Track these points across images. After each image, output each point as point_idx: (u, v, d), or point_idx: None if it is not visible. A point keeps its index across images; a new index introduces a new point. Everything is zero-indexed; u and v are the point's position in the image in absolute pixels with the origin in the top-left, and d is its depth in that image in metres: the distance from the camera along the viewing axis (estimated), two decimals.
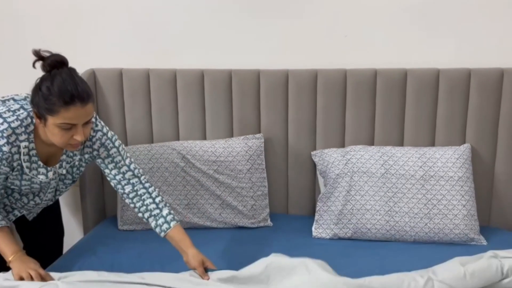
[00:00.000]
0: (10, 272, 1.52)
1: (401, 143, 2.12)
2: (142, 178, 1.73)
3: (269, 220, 2.15)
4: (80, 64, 2.20)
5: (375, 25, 2.13)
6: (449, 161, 1.97)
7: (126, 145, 2.24)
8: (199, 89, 2.17)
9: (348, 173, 2.01)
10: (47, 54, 1.50)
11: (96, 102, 2.20)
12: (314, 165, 2.17)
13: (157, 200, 1.71)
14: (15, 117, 1.55)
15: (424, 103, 2.07)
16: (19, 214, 1.78)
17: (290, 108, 2.15)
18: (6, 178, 1.61)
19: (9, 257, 1.52)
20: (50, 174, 1.65)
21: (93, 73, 2.19)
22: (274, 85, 2.14)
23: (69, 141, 1.51)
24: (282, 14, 2.16)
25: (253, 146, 2.14)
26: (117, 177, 1.71)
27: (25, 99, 1.63)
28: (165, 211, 1.68)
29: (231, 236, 2.03)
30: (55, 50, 1.70)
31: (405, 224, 1.92)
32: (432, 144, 2.11)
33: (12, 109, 1.57)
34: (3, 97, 1.65)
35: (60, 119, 1.46)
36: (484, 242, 1.93)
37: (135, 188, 1.71)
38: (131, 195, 1.71)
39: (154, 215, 1.68)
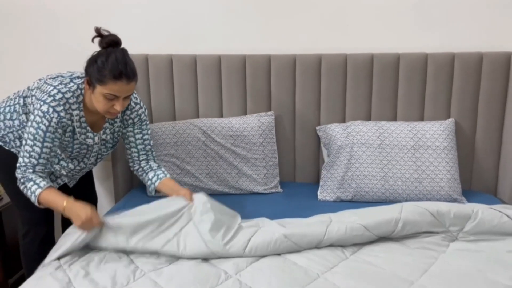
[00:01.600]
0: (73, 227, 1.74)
1: (394, 118, 2.36)
2: (153, 151, 2.06)
3: (279, 187, 2.39)
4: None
5: (372, 15, 2.35)
6: (436, 133, 2.24)
7: (151, 122, 2.48)
8: (216, 72, 2.39)
9: (349, 145, 2.27)
10: (106, 33, 1.73)
11: None
12: (318, 138, 2.41)
13: (158, 163, 2.05)
14: (67, 88, 1.78)
15: (414, 83, 2.30)
16: (61, 183, 2.01)
17: (297, 88, 2.38)
18: (60, 143, 1.83)
19: (62, 205, 1.70)
20: (96, 139, 1.90)
21: None
22: (283, 68, 2.36)
23: (110, 109, 1.75)
24: (290, 6, 2.38)
25: (265, 122, 2.36)
26: (139, 146, 2.00)
27: (72, 74, 1.86)
28: (163, 168, 2.03)
29: (247, 201, 2.26)
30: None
31: (398, 188, 2.19)
32: (421, 118, 2.35)
33: (64, 82, 1.80)
34: (51, 75, 1.89)
35: (106, 90, 1.69)
36: (466, 202, 2.19)
37: (148, 158, 2.03)
38: (142, 162, 2.02)
39: (154, 169, 2.01)
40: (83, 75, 1.80)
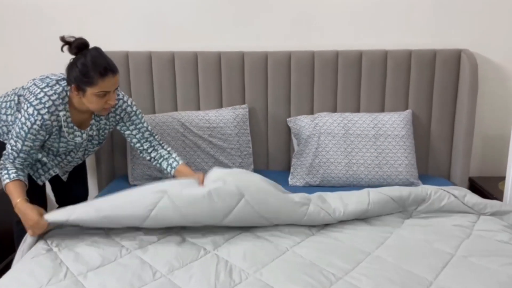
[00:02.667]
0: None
1: (358, 110, 2.56)
2: (156, 136, 2.15)
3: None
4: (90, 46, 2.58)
5: (337, 15, 2.55)
6: (395, 123, 2.46)
7: None
8: (193, 68, 2.54)
9: (316, 134, 2.45)
10: (72, 39, 1.80)
11: None
12: (289, 129, 2.59)
13: (168, 149, 2.14)
14: (53, 91, 1.88)
15: (375, 78, 2.51)
16: (53, 173, 2.12)
17: (269, 83, 2.55)
18: (44, 142, 1.95)
19: (15, 201, 1.82)
20: (84, 136, 2.01)
21: None
22: (256, 64, 2.52)
23: (104, 105, 1.87)
24: (262, 7, 2.55)
25: (239, 114, 2.53)
26: (138, 136, 2.10)
27: (59, 76, 1.96)
28: (174, 155, 2.13)
29: None
30: (68, 34, 2.04)
31: (360, 173, 2.40)
32: (382, 110, 2.56)
33: (50, 84, 1.90)
34: (42, 76, 2.00)
35: (97, 89, 1.80)
36: (421, 185, 2.43)
37: (152, 144, 2.13)
38: (149, 150, 2.12)
39: (166, 158, 2.11)
40: (60, 78, 1.92)
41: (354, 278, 1.55)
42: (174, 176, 2.09)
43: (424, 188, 2.06)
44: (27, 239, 1.83)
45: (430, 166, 2.62)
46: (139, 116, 2.12)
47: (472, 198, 2.03)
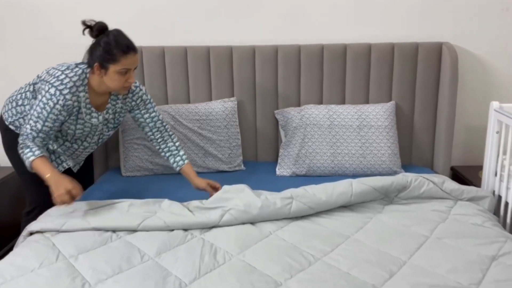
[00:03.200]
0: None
1: (343, 102, 2.64)
2: (166, 126, 2.24)
3: (242, 165, 2.64)
4: (83, 41, 2.67)
5: (322, 10, 2.62)
6: (378, 114, 2.54)
7: None
8: (183, 63, 2.61)
9: (303, 126, 2.53)
10: (93, 23, 1.92)
11: None
12: (276, 121, 2.67)
13: (176, 144, 2.24)
14: (73, 73, 1.96)
15: (360, 70, 2.58)
16: (66, 166, 2.20)
17: (257, 76, 2.62)
18: (62, 124, 2.01)
19: (46, 174, 1.86)
20: (101, 118, 2.09)
21: None
22: (244, 58, 2.59)
23: (124, 84, 1.95)
24: (250, 2, 2.62)
25: (228, 107, 2.60)
26: (150, 125, 2.19)
27: (75, 62, 2.04)
28: (181, 152, 2.23)
29: (213, 178, 2.40)
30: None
31: (345, 162, 2.48)
32: (367, 101, 2.63)
33: (70, 67, 1.99)
34: (58, 64, 2.06)
35: (120, 66, 1.89)
36: None
37: (163, 135, 2.22)
38: (159, 140, 2.22)
39: (174, 155, 2.21)
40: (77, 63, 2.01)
41: (332, 259, 1.63)
42: (178, 172, 2.24)
43: (405, 176, 2.14)
44: (28, 227, 1.90)
45: (414, 156, 2.69)
46: (153, 105, 2.22)
47: (450, 185, 2.11)
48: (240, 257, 1.66)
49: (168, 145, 2.24)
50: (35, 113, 1.94)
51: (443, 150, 2.57)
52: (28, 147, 1.94)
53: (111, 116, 2.16)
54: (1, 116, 2.19)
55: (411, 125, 2.65)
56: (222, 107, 2.61)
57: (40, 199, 2.13)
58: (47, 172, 1.88)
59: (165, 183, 2.41)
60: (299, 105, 2.66)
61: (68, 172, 2.21)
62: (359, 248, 1.70)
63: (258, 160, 2.76)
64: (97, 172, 2.71)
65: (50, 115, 1.93)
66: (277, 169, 2.57)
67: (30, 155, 1.91)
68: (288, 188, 2.12)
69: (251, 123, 2.70)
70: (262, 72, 2.62)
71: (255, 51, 2.61)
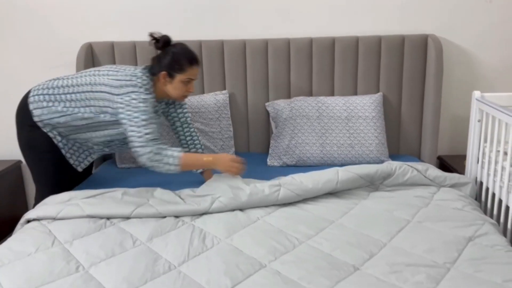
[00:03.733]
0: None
1: (332, 94, 2.70)
2: (191, 125, 2.35)
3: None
4: (77, 37, 2.73)
5: (311, 4, 2.68)
6: (366, 105, 2.61)
7: None
8: None
9: (293, 117, 2.59)
10: (159, 36, 2.06)
11: None
12: (267, 113, 2.74)
13: (197, 146, 2.36)
14: (143, 79, 2.05)
15: (348, 63, 2.65)
16: (91, 160, 2.30)
17: (248, 69, 2.68)
18: None
19: (204, 158, 2.04)
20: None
21: (90, 46, 2.69)
22: (235, 52, 2.65)
23: (184, 93, 2.11)
24: None
25: (220, 100, 2.67)
26: (182, 120, 2.31)
27: (132, 69, 2.10)
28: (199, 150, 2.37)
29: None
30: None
31: (334, 152, 2.54)
32: (355, 93, 2.70)
33: (136, 74, 2.05)
34: (116, 76, 2.07)
35: (185, 76, 2.05)
36: None
37: (190, 130, 2.34)
38: (187, 135, 2.33)
39: (199, 153, 2.31)
40: (139, 70, 2.08)
41: (316, 241, 1.70)
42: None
43: (390, 163, 2.21)
44: (25, 215, 1.97)
45: (401, 146, 2.76)
46: (185, 103, 2.35)
47: (433, 172, 2.18)
48: (228, 241, 1.73)
49: (195, 142, 2.36)
50: (139, 121, 1.97)
51: (429, 139, 2.64)
52: (161, 153, 1.98)
53: (161, 117, 2.32)
54: (28, 111, 2.16)
55: (399, 115, 2.72)
56: (214, 99, 2.67)
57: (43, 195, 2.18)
58: (201, 158, 2.05)
59: (158, 174, 2.46)
60: (289, 97, 2.73)
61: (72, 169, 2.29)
62: (342, 231, 1.77)
63: (250, 151, 2.83)
64: (93, 163, 2.77)
65: (152, 115, 2.01)
66: (268, 160, 2.64)
67: (172, 158, 1.98)
68: (278, 176, 2.18)
69: (242, 115, 2.77)
70: (253, 65, 2.68)
71: (246, 45, 2.67)
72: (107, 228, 1.86)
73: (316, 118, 2.58)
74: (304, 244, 1.69)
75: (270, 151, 2.65)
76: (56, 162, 2.21)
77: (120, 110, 2.01)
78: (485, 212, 2.15)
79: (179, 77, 2.05)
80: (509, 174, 1.94)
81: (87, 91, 2.08)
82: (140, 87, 2.02)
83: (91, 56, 2.69)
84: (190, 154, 2.06)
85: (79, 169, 2.28)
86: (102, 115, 2.09)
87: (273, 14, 2.72)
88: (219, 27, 2.74)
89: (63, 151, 2.22)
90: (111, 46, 2.70)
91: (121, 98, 2.01)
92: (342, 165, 2.55)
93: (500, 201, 2.06)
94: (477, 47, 2.71)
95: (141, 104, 1.99)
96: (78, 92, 2.10)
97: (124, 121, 2.00)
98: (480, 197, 2.24)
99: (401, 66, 2.65)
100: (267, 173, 2.43)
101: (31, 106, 2.15)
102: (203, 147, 2.39)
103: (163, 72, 2.05)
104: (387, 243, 1.68)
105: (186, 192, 2.11)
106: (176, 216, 1.94)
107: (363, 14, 2.70)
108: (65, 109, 2.11)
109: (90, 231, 1.82)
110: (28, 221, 1.95)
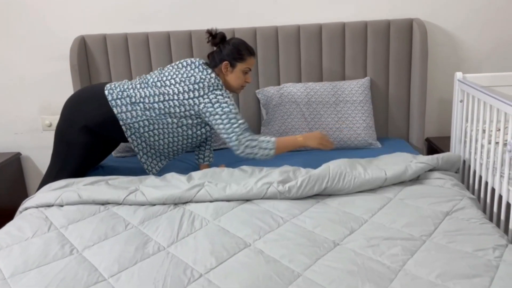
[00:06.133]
0: None
1: (320, 79, 2.76)
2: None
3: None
4: (70, 31, 2.79)
5: None
6: (354, 90, 2.66)
7: None
8: (167, 47, 2.73)
9: (282, 103, 2.65)
10: (216, 32, 2.20)
11: (87, 62, 2.78)
12: (258, 100, 2.80)
13: (213, 137, 2.48)
14: (213, 76, 2.13)
15: (335, 49, 2.70)
16: (162, 165, 2.34)
17: None
18: None
19: (298, 139, 2.16)
20: None
21: (82, 39, 2.75)
22: None
23: (243, 83, 2.24)
24: None
25: None
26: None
27: (200, 67, 2.17)
28: (207, 152, 2.46)
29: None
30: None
31: None
32: (343, 78, 2.75)
33: (208, 72, 2.13)
34: (186, 73, 2.15)
35: (245, 65, 2.19)
36: (379, 145, 2.63)
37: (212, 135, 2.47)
38: (212, 136, 2.45)
39: (208, 149, 2.45)
40: (202, 65, 2.16)
41: (300, 220, 1.77)
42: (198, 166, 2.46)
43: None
44: (24, 204, 2.05)
45: (390, 129, 2.82)
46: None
47: (424, 157, 2.19)
48: (216, 222, 1.80)
49: (212, 140, 2.46)
50: (231, 114, 2.10)
51: (417, 122, 2.70)
52: (255, 139, 2.11)
53: None
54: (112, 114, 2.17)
55: (386, 99, 2.77)
56: None
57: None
58: (296, 137, 2.16)
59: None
60: (279, 84, 2.78)
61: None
62: (325, 210, 1.83)
63: None
64: None
65: (236, 109, 2.13)
66: None
67: (269, 139, 2.11)
68: (268, 162, 2.26)
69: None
70: None
71: (235, 33, 2.72)
72: (101, 213, 1.93)
73: (305, 104, 2.64)
74: (289, 222, 1.76)
75: None
76: (89, 162, 2.31)
77: (210, 109, 2.10)
78: (468, 190, 2.20)
79: (240, 66, 2.18)
80: (487, 151, 1.99)
81: (162, 103, 2.15)
82: (217, 85, 2.12)
83: (84, 49, 2.76)
84: (282, 138, 2.16)
85: (153, 172, 2.33)
86: (184, 120, 2.17)
87: (261, 3, 2.77)
88: (208, 17, 2.79)
89: (138, 156, 2.29)
90: (104, 38, 2.76)
91: (207, 98, 2.10)
92: (331, 149, 2.61)
93: (481, 178, 2.12)
94: (461, 30, 2.75)
95: (227, 99, 2.11)
96: (156, 102, 2.16)
97: (216, 116, 2.10)
98: (463, 175, 2.30)
99: (387, 51, 2.70)
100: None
101: (116, 110, 2.16)
102: (211, 155, 2.45)
103: (225, 62, 2.17)
104: (368, 219, 1.74)
105: (180, 177, 2.16)
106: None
107: (349, 1, 2.74)
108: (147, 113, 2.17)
109: (85, 216, 1.89)
110: (26, 209, 2.03)
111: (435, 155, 2.17)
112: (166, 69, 2.23)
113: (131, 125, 2.18)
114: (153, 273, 1.47)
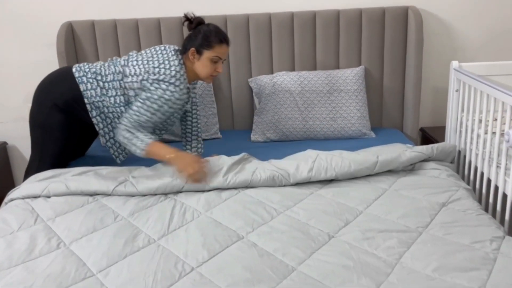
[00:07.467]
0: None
1: (314, 68, 2.71)
2: (200, 116, 2.38)
3: (219, 133, 2.73)
4: (56, 16, 2.71)
5: None
6: (348, 79, 2.62)
7: None
8: (157, 34, 2.66)
9: (275, 92, 2.60)
10: (193, 17, 2.10)
11: (74, 49, 2.71)
12: (251, 89, 2.74)
13: (199, 134, 2.39)
14: (179, 66, 2.03)
15: (329, 37, 2.65)
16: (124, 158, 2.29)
17: (230, 46, 2.65)
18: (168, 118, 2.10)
19: (167, 155, 1.98)
20: (188, 106, 2.28)
21: (70, 25, 2.67)
22: None
23: (212, 73, 2.09)
24: None
25: None
26: (193, 106, 2.33)
27: (166, 51, 2.09)
28: (201, 143, 2.41)
29: None
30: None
31: (316, 126, 2.56)
32: (337, 67, 2.70)
33: (171, 60, 2.05)
34: (150, 56, 2.08)
35: (214, 53, 2.04)
36: (373, 135, 2.60)
37: (198, 113, 2.36)
38: (194, 122, 2.36)
39: (198, 141, 2.40)
40: (172, 51, 2.08)
41: (293, 211, 1.73)
42: None
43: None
44: (9, 195, 1.99)
45: (384, 119, 2.78)
46: (195, 94, 2.37)
47: (419, 147, 2.16)
48: (207, 214, 1.76)
49: (199, 130, 2.39)
50: (156, 105, 2.00)
51: (411, 112, 2.66)
52: (141, 133, 2.03)
53: (191, 105, 2.32)
54: (78, 92, 2.12)
55: (381, 88, 2.73)
56: None
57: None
58: (169, 153, 1.99)
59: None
60: (272, 72, 2.73)
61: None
62: (319, 201, 1.80)
63: (235, 128, 2.84)
64: None
65: (170, 110, 2.04)
66: (251, 135, 2.66)
67: (145, 139, 2.01)
68: (263, 151, 2.24)
69: (226, 91, 2.77)
70: (234, 41, 2.68)
71: (227, 20, 2.66)
72: (89, 204, 1.88)
73: (298, 93, 2.60)
74: (282, 214, 1.72)
75: (253, 127, 2.67)
76: (67, 144, 2.24)
77: (144, 92, 2.03)
78: (463, 180, 2.18)
79: (207, 54, 2.06)
80: (484, 141, 1.96)
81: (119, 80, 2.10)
82: (170, 78, 2.01)
83: (71, 36, 2.68)
84: (159, 146, 2.03)
85: (118, 160, 2.28)
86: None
87: None
88: (200, 3, 2.72)
89: (103, 140, 2.23)
90: (92, 24, 2.69)
91: (151, 83, 2.02)
92: (324, 138, 2.59)
93: (476, 168, 2.09)
94: (457, 18, 2.71)
95: (163, 98, 2.01)
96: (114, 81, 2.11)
97: (138, 98, 2.03)
98: (458, 165, 2.28)
99: (382, 39, 2.66)
100: (251, 149, 2.47)
101: (82, 87, 2.11)
102: (202, 146, 2.41)
103: (192, 49, 2.07)
104: (363, 211, 1.71)
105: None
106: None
107: None
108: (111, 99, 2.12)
109: (72, 208, 1.84)
110: (12, 200, 1.97)
111: (430, 145, 2.14)
112: (141, 52, 2.18)
113: (96, 104, 2.12)
114: (143, 267, 1.43)
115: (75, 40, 2.70)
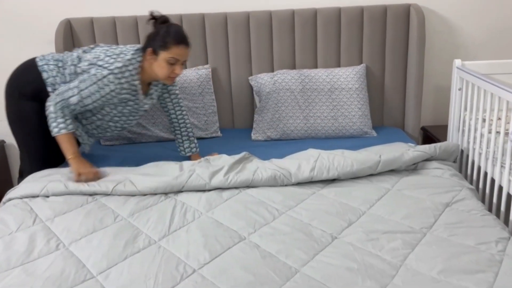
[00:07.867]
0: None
1: (315, 66, 2.68)
2: (183, 109, 2.34)
3: (219, 132, 2.71)
4: (55, 14, 2.68)
5: None
6: (349, 77, 2.59)
7: None
8: None
9: (276, 91, 2.58)
10: (158, 15, 2.05)
11: (73, 46, 2.66)
12: (251, 87, 2.72)
13: (193, 131, 2.36)
14: (129, 61, 2.01)
15: (330, 34, 2.63)
16: (91, 143, 2.29)
17: (230, 43, 2.65)
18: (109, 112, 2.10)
19: (69, 155, 2.01)
20: (149, 103, 2.21)
21: (68, 22, 2.64)
22: (217, 26, 2.62)
23: (170, 74, 2.05)
24: None
25: (202, 74, 2.64)
26: (175, 105, 2.30)
27: (127, 48, 2.09)
28: (195, 141, 2.36)
29: None
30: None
31: (317, 125, 2.54)
32: (338, 65, 2.68)
33: (124, 52, 2.04)
34: (109, 46, 2.11)
35: (170, 54, 1.99)
36: (374, 134, 2.58)
37: (184, 117, 2.33)
38: (180, 121, 2.33)
39: (190, 140, 2.35)
40: (133, 49, 2.06)
41: (296, 212, 1.71)
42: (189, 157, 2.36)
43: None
44: (8, 194, 1.97)
45: (385, 117, 2.76)
46: (177, 89, 2.34)
47: (421, 146, 2.14)
48: (209, 214, 1.74)
49: (188, 130, 2.35)
50: (89, 89, 1.99)
51: (413, 110, 2.64)
52: (64, 116, 2.02)
53: (154, 101, 2.27)
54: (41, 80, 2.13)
55: (382, 86, 2.71)
56: (196, 74, 2.65)
57: (32, 170, 2.18)
58: (72, 154, 2.02)
59: (143, 149, 2.48)
60: (272, 70, 2.71)
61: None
62: (321, 201, 1.78)
63: (235, 127, 2.82)
64: (78, 142, 2.76)
65: (102, 99, 2.02)
66: (252, 134, 2.63)
67: (63, 126, 2.01)
68: (264, 150, 2.22)
69: (226, 89, 2.75)
70: (235, 39, 2.65)
71: (227, 18, 2.63)
72: (88, 204, 1.86)
73: (299, 91, 2.57)
74: (284, 215, 1.70)
75: (254, 126, 2.64)
76: (48, 134, 2.18)
77: (85, 76, 2.02)
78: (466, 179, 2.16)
79: (163, 55, 2.01)
80: (487, 140, 1.95)
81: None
82: (119, 70, 1.99)
83: (70, 33, 2.65)
84: (67, 141, 2.03)
85: (85, 150, 2.26)
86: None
87: None
88: (200, 1, 2.69)
89: (76, 132, 2.21)
90: (91, 22, 2.66)
91: (96, 71, 2.00)
92: (325, 137, 2.57)
93: (479, 168, 2.07)
94: (459, 16, 2.69)
95: (100, 82, 1.98)
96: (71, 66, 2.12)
97: (80, 77, 2.01)
98: (461, 164, 2.26)
99: (383, 37, 2.63)
100: (251, 147, 2.45)
101: (44, 75, 2.12)
102: (196, 144, 2.37)
103: (149, 49, 2.03)
104: (366, 211, 1.69)
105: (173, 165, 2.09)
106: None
107: None
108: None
109: (71, 208, 1.82)
110: (10, 200, 1.95)
111: (433, 144, 2.12)
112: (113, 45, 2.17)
113: None
114: (144, 269, 1.40)
115: (73, 37, 2.67)
